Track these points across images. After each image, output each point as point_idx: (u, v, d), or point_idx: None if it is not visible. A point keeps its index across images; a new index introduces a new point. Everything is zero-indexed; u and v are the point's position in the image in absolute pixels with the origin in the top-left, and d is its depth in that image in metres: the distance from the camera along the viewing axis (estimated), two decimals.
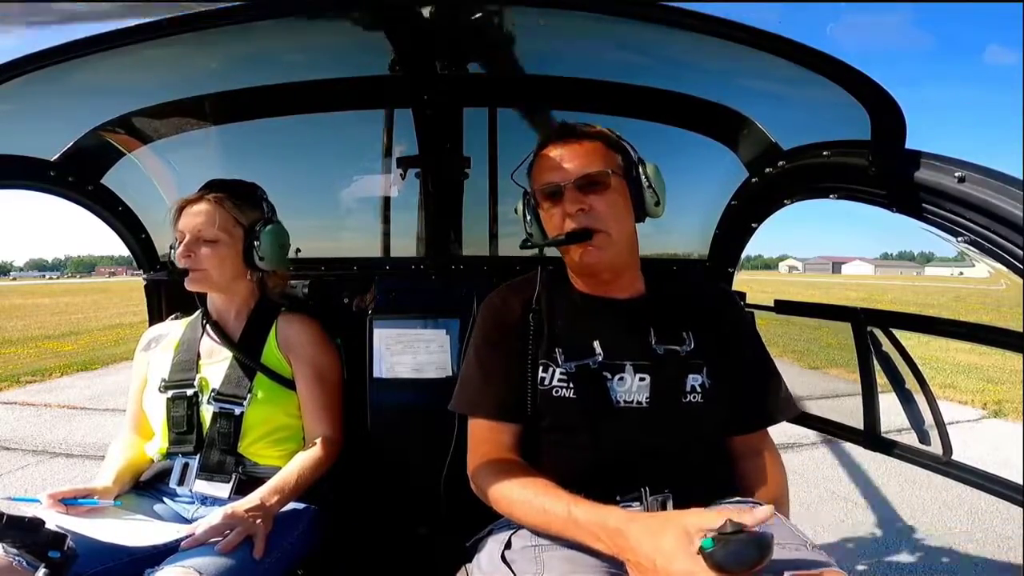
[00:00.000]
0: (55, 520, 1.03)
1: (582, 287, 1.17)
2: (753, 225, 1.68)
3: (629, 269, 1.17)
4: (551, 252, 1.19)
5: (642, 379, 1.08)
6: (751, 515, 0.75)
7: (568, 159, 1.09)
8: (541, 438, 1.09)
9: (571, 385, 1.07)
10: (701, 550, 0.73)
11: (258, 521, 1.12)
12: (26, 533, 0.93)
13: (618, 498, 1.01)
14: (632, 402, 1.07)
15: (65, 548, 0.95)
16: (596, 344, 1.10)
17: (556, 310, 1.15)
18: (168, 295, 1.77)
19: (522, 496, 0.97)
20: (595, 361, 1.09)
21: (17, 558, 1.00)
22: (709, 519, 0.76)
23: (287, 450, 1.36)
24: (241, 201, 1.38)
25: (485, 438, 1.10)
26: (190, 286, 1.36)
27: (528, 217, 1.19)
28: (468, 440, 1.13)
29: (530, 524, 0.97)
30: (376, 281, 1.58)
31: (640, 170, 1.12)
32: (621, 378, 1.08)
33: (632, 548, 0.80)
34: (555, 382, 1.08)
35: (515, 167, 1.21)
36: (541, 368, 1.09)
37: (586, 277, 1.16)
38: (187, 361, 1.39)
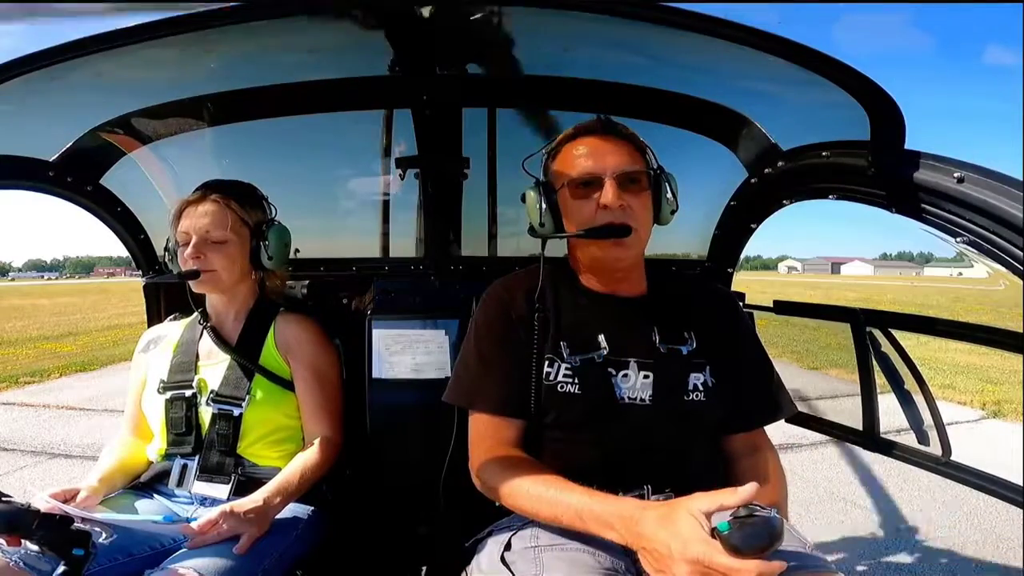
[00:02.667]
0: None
1: (589, 283, 1.17)
2: (752, 225, 1.68)
3: (637, 268, 1.17)
4: (552, 251, 1.18)
5: (646, 376, 1.08)
6: (736, 495, 0.76)
7: (608, 152, 1.08)
8: (544, 434, 1.09)
9: (576, 380, 1.07)
10: (717, 532, 0.74)
11: (251, 521, 1.12)
12: (55, 531, 0.93)
13: (620, 495, 1.00)
14: (636, 399, 1.07)
15: (89, 546, 0.95)
16: (601, 338, 1.09)
17: (561, 304, 1.14)
18: (167, 296, 1.76)
19: (530, 489, 0.96)
20: (600, 355, 1.08)
21: (15, 558, 1.00)
22: (711, 501, 0.78)
23: (286, 451, 1.36)
24: (245, 201, 1.39)
25: (487, 433, 1.09)
26: (199, 288, 1.36)
27: (543, 207, 1.13)
28: (469, 435, 1.13)
29: (539, 516, 0.96)
30: (375, 281, 1.58)
31: (663, 178, 1.12)
32: (625, 375, 1.08)
33: (647, 536, 0.81)
34: (560, 377, 1.07)
35: (520, 161, 1.18)
36: (547, 363, 1.08)
37: (597, 273, 1.15)
38: (186, 362, 1.39)
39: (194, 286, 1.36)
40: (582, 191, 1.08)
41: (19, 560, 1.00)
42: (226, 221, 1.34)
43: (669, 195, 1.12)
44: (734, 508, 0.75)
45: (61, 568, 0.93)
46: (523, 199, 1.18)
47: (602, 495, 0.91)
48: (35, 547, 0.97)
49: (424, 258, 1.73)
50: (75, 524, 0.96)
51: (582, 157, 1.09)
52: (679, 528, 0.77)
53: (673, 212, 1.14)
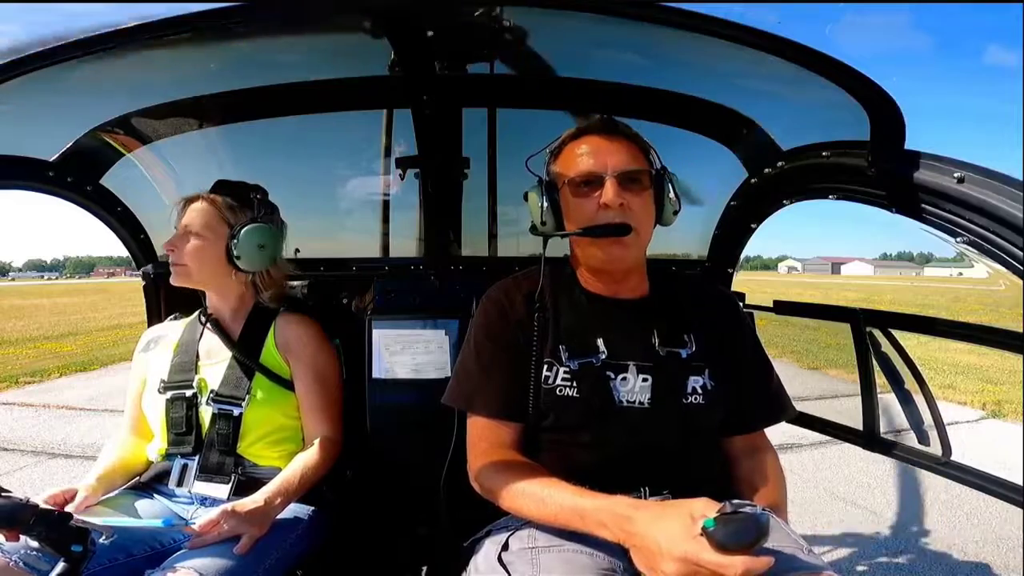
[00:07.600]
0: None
1: (589, 285, 1.16)
2: (752, 225, 1.68)
3: (638, 270, 1.17)
4: (552, 251, 1.17)
5: (644, 380, 1.08)
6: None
7: (611, 151, 1.07)
8: (542, 436, 1.09)
9: (575, 384, 1.07)
10: (703, 530, 0.75)
11: (252, 521, 1.12)
12: (53, 527, 0.93)
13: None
14: (634, 402, 1.07)
15: (88, 543, 0.95)
16: (600, 342, 1.09)
17: (561, 306, 1.14)
18: (167, 295, 1.76)
19: (527, 489, 0.97)
20: (599, 359, 1.08)
21: (15, 558, 1.00)
22: (713, 507, 0.78)
23: (286, 451, 1.36)
24: (235, 201, 1.39)
25: (486, 436, 1.10)
26: (172, 279, 1.38)
27: (544, 205, 1.12)
28: (468, 437, 1.13)
29: (536, 517, 0.97)
30: (375, 281, 1.58)
31: (666, 178, 1.12)
32: (624, 378, 1.08)
33: (638, 533, 0.82)
34: (559, 380, 1.07)
35: (520, 160, 1.18)
36: (545, 367, 1.08)
37: (597, 274, 1.15)
38: (186, 362, 1.39)
39: (170, 278, 1.38)
40: (583, 190, 1.07)
41: (19, 560, 1.00)
42: (206, 218, 1.36)
43: (672, 195, 1.12)
44: (722, 506, 0.76)
45: (61, 566, 0.92)
46: (525, 198, 1.18)
47: (595, 494, 0.91)
48: (35, 545, 0.97)
49: (424, 258, 1.73)
50: (73, 521, 0.96)
51: (584, 156, 1.08)
52: (668, 526, 0.79)
53: (675, 212, 1.13)
